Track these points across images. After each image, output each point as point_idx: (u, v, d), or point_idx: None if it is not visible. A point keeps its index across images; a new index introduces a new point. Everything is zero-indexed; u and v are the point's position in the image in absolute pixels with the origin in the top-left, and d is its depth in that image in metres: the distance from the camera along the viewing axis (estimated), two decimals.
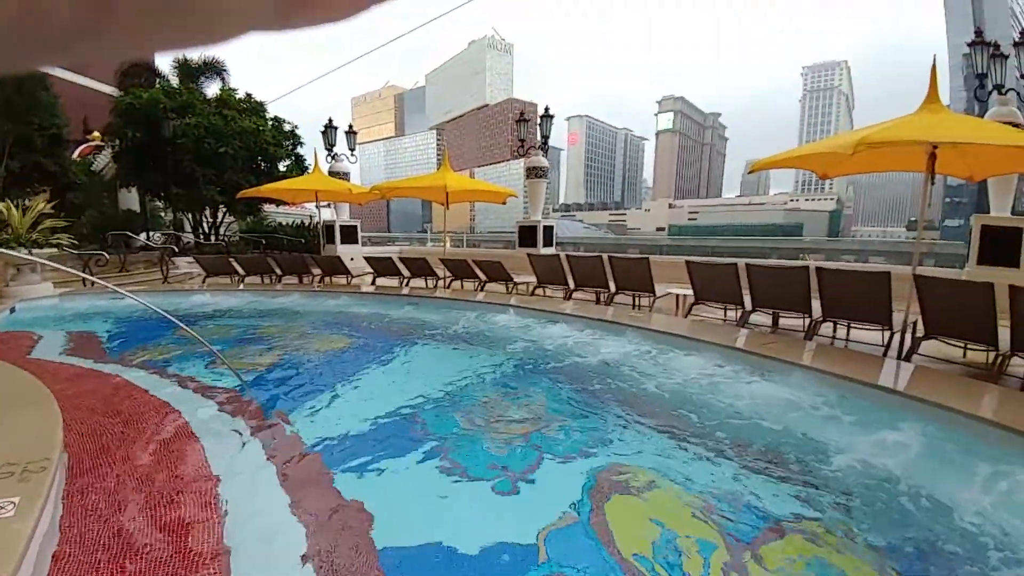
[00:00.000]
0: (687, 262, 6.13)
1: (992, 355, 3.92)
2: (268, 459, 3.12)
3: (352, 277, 9.59)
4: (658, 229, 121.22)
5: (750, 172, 5.44)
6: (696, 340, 5.05)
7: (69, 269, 4.46)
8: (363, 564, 2.17)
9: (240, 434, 3.45)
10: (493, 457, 3.18)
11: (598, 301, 7.38)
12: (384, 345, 5.93)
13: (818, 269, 5.09)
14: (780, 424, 3.46)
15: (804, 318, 5.21)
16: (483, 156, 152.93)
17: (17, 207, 7.82)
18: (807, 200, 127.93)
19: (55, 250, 8.04)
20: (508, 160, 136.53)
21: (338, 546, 2.26)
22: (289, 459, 3.12)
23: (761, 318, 5.70)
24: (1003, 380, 3.81)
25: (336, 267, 9.61)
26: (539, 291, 8.20)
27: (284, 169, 16.93)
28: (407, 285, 9.20)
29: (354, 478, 2.90)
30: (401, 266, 9.20)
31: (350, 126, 14.18)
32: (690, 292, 6.34)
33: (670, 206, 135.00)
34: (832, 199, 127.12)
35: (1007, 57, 6.95)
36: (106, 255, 11.28)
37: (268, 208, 19.05)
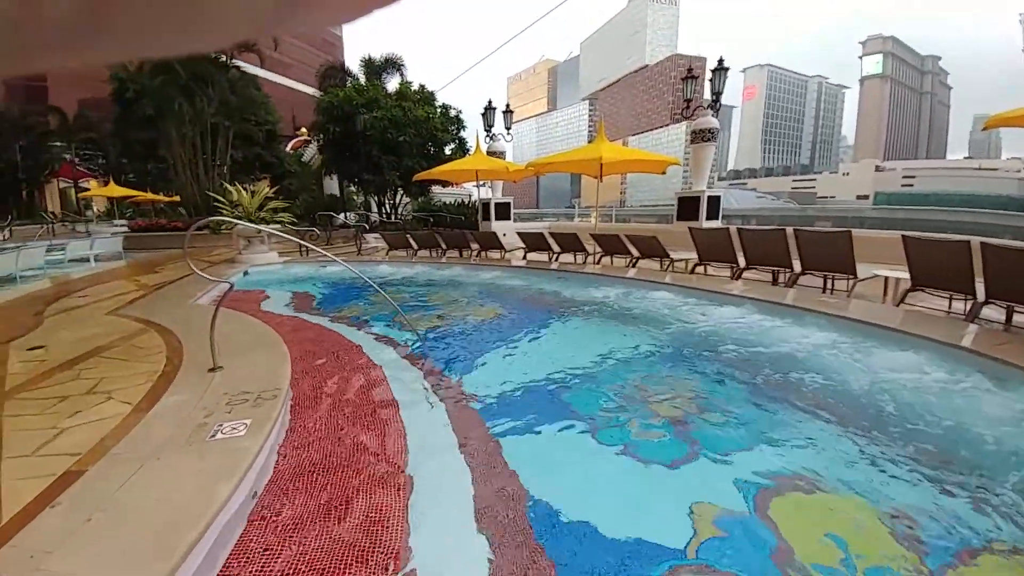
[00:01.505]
0: (904, 236, 4.87)
1: None
2: (439, 398, 3.53)
3: (505, 252, 9.96)
4: (859, 197, 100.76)
5: (984, 129, 4.00)
6: (908, 334, 4.00)
7: (291, 238, 5.44)
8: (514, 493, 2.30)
9: (417, 376, 3.97)
10: (641, 444, 2.94)
11: (775, 282, 6.38)
12: (534, 317, 6.02)
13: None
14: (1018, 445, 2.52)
15: None
16: (638, 123, 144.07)
17: (246, 191, 9.86)
18: None
19: (279, 226, 9.96)
20: (667, 125, 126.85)
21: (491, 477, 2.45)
22: (456, 401, 3.49)
23: (994, 312, 4.27)
24: None
25: (492, 242, 10.09)
26: (700, 269, 7.44)
27: (449, 152, 18.35)
28: (556, 260, 9.21)
29: (505, 432, 3.02)
30: (552, 241, 9.23)
31: (507, 106, 14.58)
32: (905, 275, 5.05)
33: (877, 168, 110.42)
34: None
35: None
36: (316, 231, 13.65)
37: (435, 189, 20.99)
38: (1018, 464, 2.48)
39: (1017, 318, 4.11)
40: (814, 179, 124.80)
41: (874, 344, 4.07)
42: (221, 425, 2.50)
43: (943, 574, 1.86)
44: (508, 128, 14.49)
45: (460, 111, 18.77)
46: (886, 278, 5.55)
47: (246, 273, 8.99)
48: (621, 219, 24.79)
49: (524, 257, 9.80)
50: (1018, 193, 76.54)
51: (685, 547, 2.02)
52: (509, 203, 14.13)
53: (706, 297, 5.87)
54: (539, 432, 3.04)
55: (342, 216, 18.03)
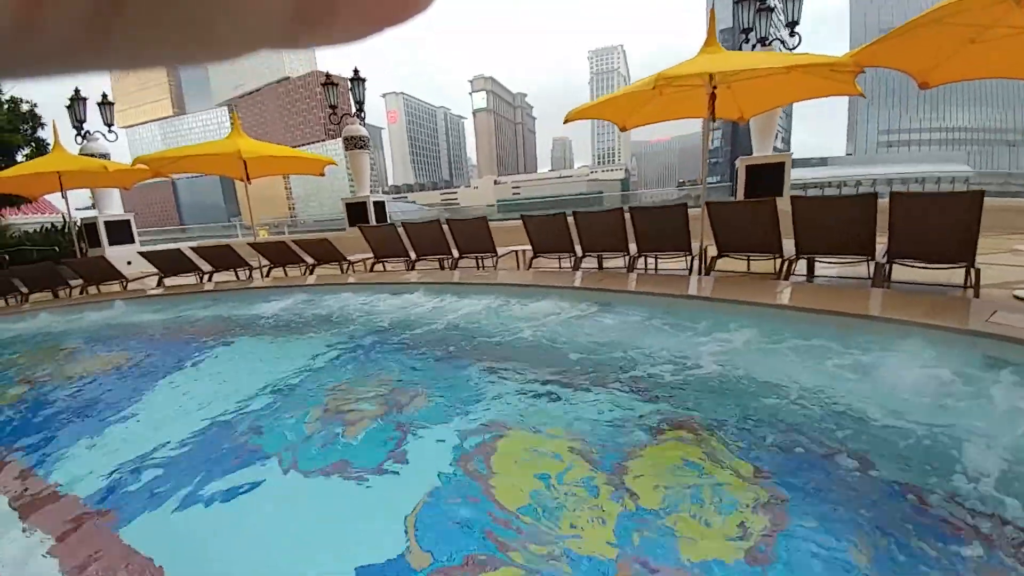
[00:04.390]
0: (522, 216, 6.20)
1: (779, 261, 4.73)
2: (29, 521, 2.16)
3: (128, 281, 7.57)
4: (488, 205, 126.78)
5: (565, 122, 5.67)
6: (541, 287, 5.16)
7: None
8: None
9: None
10: (347, 449, 2.68)
11: (442, 268, 7.10)
12: (183, 352, 4.76)
13: (631, 209, 5.57)
14: (630, 344, 3.66)
15: (624, 256, 5.70)
16: (293, 137, 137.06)
17: None
18: (604, 171, 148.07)
19: None
20: (324, 140, 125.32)
21: None
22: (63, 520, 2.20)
23: (592, 262, 6.11)
24: (792, 279, 4.68)
25: (103, 271, 7.49)
26: (378, 267, 7.57)
27: (22, 159, 12.53)
28: (210, 280, 7.64)
29: (156, 518, 2.16)
30: (197, 259, 7.57)
31: (104, 96, 11.01)
32: (529, 248, 6.46)
33: (495, 182, 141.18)
34: (622, 169, 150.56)
35: (773, 10, 8.03)
36: None
37: (10, 217, 14.15)
38: (625, 364, 3.47)
39: (607, 264, 5.94)
40: (456, 192, 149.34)
41: (517, 300, 5.02)
42: None
43: (619, 470, 2.37)
44: (110, 124, 10.99)
45: (35, 104, 13.05)
46: (517, 251, 7.00)
47: None
48: (298, 234, 22.93)
49: (159, 284, 7.68)
50: (587, 190, 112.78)
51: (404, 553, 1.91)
52: (128, 221, 10.83)
53: (386, 289, 5.98)
54: (204, 498, 2.35)
55: None
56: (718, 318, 3.82)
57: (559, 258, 6.45)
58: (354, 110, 11.75)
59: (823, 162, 79.88)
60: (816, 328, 3.34)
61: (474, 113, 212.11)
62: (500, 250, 6.78)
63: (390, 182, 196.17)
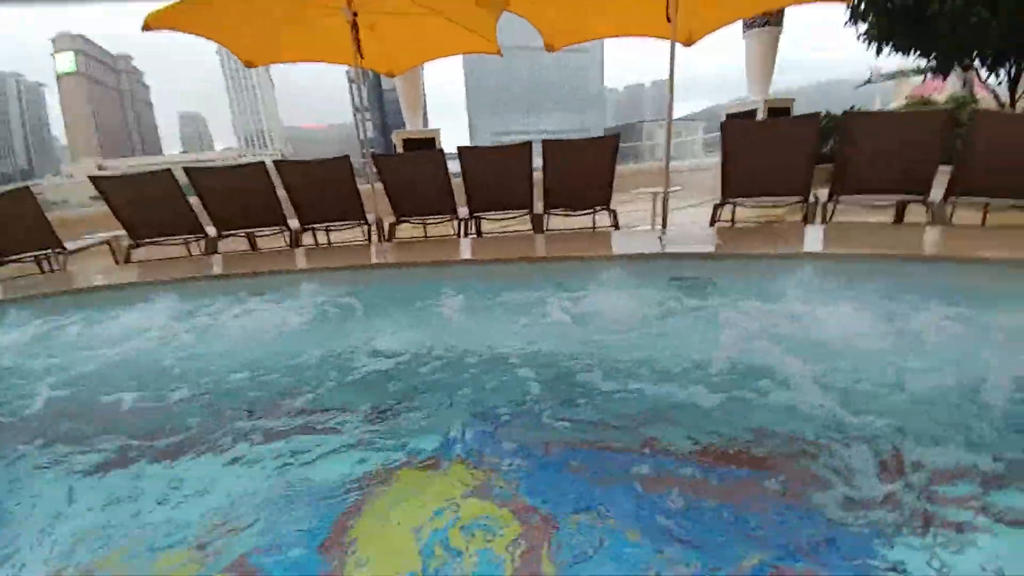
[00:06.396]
0: (92, 178, 3.95)
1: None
2: None
3: None
4: (93, 198, 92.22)
5: (144, 28, 3.74)
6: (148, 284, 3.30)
7: None
8: None
9: None
10: None
11: None
12: None
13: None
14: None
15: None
16: None
17: None
18: (257, 156, 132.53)
19: None
20: None
21: None
22: None
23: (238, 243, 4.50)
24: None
25: None
26: None
27: None
28: None
29: None
30: None
31: None
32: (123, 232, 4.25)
33: (99, 167, 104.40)
34: (278, 153, 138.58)
35: None
36: None
37: None
38: None
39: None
40: (38, 185, 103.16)
41: (105, 309, 3.04)
42: None
43: None
44: None
45: None
46: (109, 241, 4.59)
47: None
48: None
49: None
50: None
51: None
52: None
53: None
54: None
55: None
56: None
57: (185, 242, 4.50)
58: None
59: None
60: None
61: (59, 78, 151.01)
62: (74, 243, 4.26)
63: None
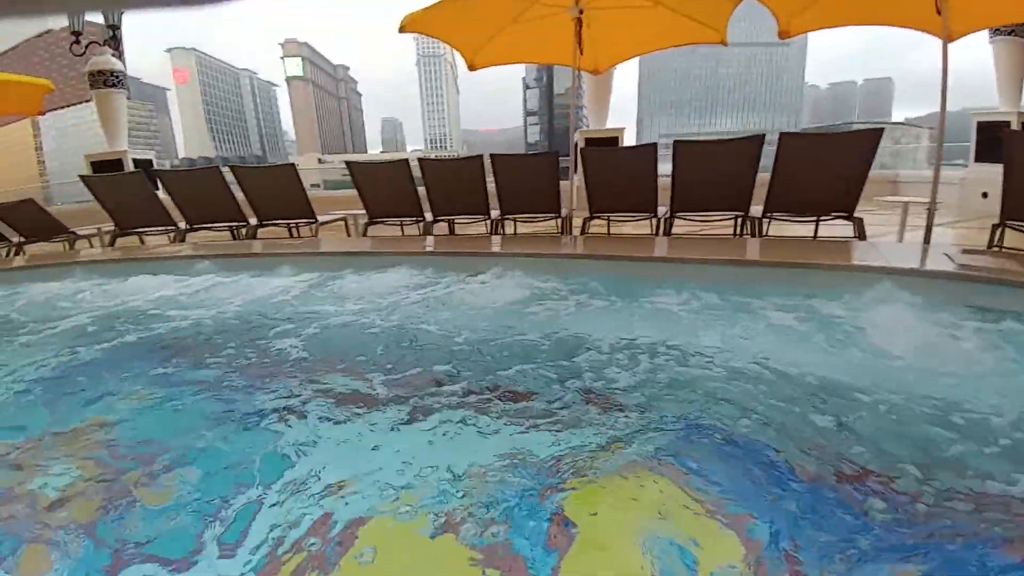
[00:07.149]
0: (348, 164, 4.69)
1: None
2: None
3: None
4: (312, 186, 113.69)
5: (401, 30, 4.31)
6: (382, 254, 3.81)
7: None
8: None
9: None
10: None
11: (235, 237, 5.11)
12: None
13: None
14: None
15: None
16: (63, 95, 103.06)
17: None
18: (437, 156, 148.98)
19: None
20: (89, 101, 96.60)
21: None
22: None
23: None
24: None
25: None
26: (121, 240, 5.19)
27: None
28: None
29: None
30: None
31: None
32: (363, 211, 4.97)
33: (320, 161, 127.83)
34: (455, 154, 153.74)
35: None
36: None
37: None
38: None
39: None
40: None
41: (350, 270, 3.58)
42: None
43: None
44: None
45: None
46: (346, 217, 5.45)
47: None
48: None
49: None
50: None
51: None
52: None
53: (131, 269, 3.90)
54: None
55: None
56: None
57: (401, 224, 5.10)
58: (105, 37, 8.53)
59: None
60: None
61: (288, 80, 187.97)
62: (322, 216, 5.13)
63: (181, 153, 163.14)
